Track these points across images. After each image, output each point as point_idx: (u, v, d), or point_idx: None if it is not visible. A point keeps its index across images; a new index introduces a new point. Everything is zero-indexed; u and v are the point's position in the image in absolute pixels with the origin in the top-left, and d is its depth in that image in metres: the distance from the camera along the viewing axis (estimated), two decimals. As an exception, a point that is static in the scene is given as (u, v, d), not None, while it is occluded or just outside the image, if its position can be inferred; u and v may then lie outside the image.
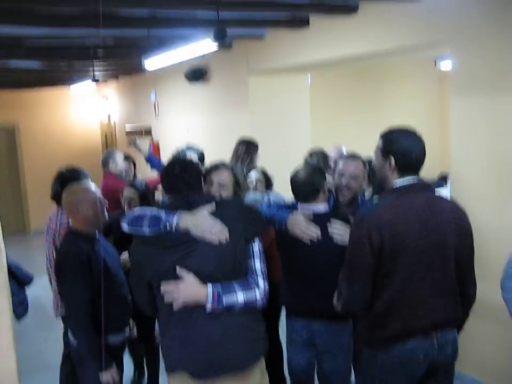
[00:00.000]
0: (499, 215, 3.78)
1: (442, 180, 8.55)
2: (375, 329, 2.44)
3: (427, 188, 2.46)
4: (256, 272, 2.42)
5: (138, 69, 8.51)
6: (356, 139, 6.79)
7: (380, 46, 4.55)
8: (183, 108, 8.13)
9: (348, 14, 4.66)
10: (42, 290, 6.79)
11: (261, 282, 2.40)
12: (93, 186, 3.07)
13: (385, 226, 2.30)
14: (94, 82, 8.00)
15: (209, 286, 2.28)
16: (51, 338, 5.53)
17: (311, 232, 2.81)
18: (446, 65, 7.40)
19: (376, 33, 4.55)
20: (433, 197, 2.45)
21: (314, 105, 6.97)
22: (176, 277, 2.29)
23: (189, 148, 5.18)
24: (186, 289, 2.28)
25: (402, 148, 2.39)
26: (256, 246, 2.46)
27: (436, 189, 2.56)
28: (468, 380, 4.15)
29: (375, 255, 2.31)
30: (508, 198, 3.70)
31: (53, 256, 3.58)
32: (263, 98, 6.45)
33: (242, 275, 2.38)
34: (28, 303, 3.83)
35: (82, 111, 11.41)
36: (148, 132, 9.44)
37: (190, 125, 7.96)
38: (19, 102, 10.52)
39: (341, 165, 3.27)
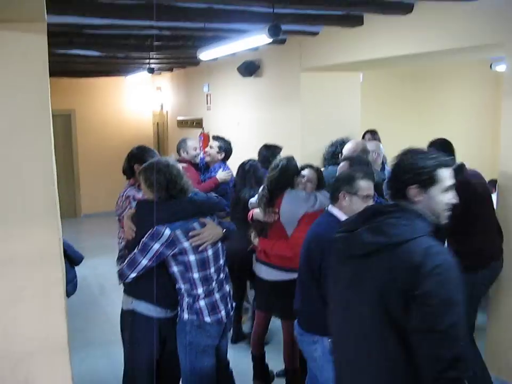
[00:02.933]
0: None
1: (492, 186, 8.38)
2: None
3: None
4: None
5: (192, 61, 8.66)
6: (405, 139, 6.74)
7: (434, 47, 4.51)
8: (235, 101, 8.22)
9: (402, 12, 4.64)
10: (89, 271, 7.06)
11: None
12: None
13: None
14: (149, 73, 8.20)
15: None
16: (95, 317, 5.75)
17: None
18: (501, 67, 7.25)
19: (430, 33, 4.52)
20: None
21: (365, 104, 6.95)
22: None
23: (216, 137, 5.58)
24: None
25: None
26: None
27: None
28: None
29: None
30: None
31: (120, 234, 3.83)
32: (314, 94, 6.47)
33: None
34: (77, 282, 3.98)
35: (136, 100, 11.66)
36: (199, 123, 9.58)
37: (241, 118, 8.05)
38: (76, 89, 10.83)
39: None
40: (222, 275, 3.22)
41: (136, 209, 3.20)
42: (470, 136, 8.60)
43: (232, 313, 3.30)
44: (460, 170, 3.53)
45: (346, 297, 2.14)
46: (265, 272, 3.93)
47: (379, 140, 6.38)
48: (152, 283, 2.97)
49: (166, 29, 5.39)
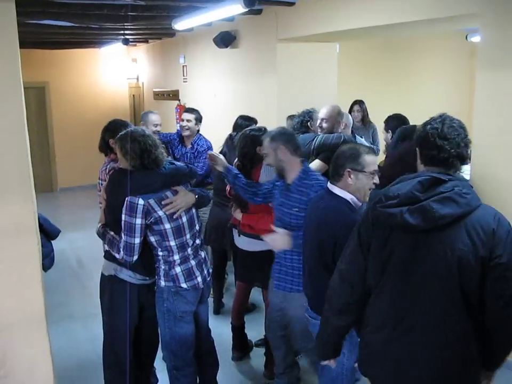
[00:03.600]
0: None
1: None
2: None
3: None
4: None
5: (168, 33, 8.55)
6: (384, 108, 6.79)
7: (409, 17, 4.50)
8: (211, 72, 8.15)
9: (379, -18, 4.63)
10: (67, 245, 7.05)
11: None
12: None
13: None
14: (124, 45, 8.07)
15: None
16: (74, 290, 5.75)
17: None
18: (476, 38, 7.30)
19: (406, 3, 4.51)
20: None
21: (343, 74, 6.94)
22: None
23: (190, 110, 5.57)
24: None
25: None
26: None
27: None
28: None
29: None
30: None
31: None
32: (291, 65, 6.44)
33: None
34: (54, 256, 3.96)
35: (111, 72, 11.49)
36: (175, 95, 9.50)
37: (217, 90, 7.99)
38: (49, 61, 10.62)
39: None
40: (197, 241, 3.25)
41: (110, 177, 3.20)
42: (448, 105, 8.65)
43: (209, 279, 3.33)
44: None
45: (406, 272, 2.09)
46: (248, 244, 3.92)
47: (365, 110, 6.38)
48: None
49: (141, -2, 5.30)
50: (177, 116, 9.13)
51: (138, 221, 2.93)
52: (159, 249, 3.09)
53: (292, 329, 3.40)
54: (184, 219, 3.11)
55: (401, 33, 6.81)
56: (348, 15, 5.13)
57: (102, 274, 3.32)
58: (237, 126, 4.99)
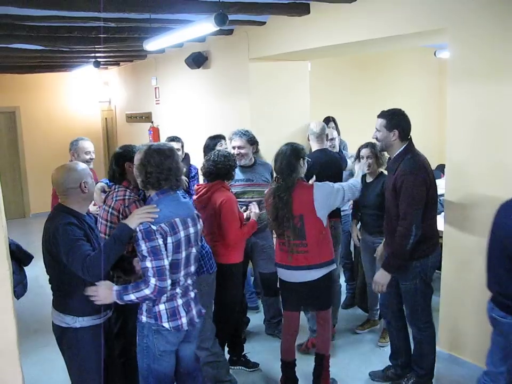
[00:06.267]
0: (496, 203, 3.81)
1: (440, 171, 8.58)
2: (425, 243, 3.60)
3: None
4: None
5: (139, 55, 8.53)
6: (355, 124, 6.86)
7: (379, 34, 4.57)
8: (184, 93, 8.14)
9: (348, 0, 4.68)
10: (41, 271, 6.84)
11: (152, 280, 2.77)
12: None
13: (427, 170, 3.57)
14: (96, 67, 8.00)
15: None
16: (49, 318, 5.57)
17: None
18: (445, 54, 7.45)
19: (375, 20, 4.57)
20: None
21: (315, 92, 6.99)
22: None
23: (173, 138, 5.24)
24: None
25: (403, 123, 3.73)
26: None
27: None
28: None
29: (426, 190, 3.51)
30: (503, 187, 3.73)
31: (104, 234, 3.57)
32: (263, 84, 6.46)
33: None
34: (27, 283, 3.87)
35: (83, 95, 11.42)
36: (148, 117, 9.46)
37: (190, 110, 7.98)
38: (19, 85, 10.52)
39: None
40: (189, 281, 3.06)
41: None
42: (417, 120, 8.75)
43: (198, 319, 3.11)
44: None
45: None
46: (292, 276, 3.83)
47: (337, 126, 6.45)
48: (84, 295, 2.87)
49: (111, 20, 5.27)
50: (151, 138, 9.08)
51: (160, 241, 2.77)
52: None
53: None
54: (184, 254, 2.94)
55: (372, 50, 6.89)
56: (318, 33, 5.18)
57: (60, 327, 3.09)
58: (207, 148, 5.01)
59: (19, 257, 3.75)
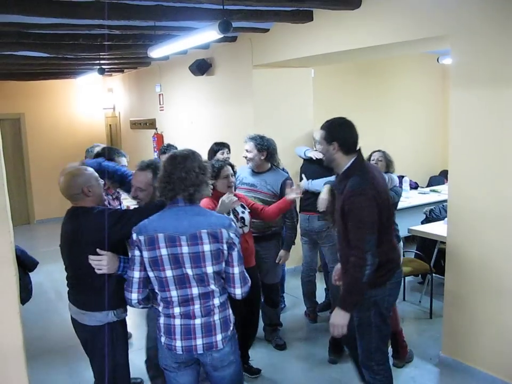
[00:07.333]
0: (498, 208, 3.83)
1: (443, 177, 8.60)
2: (381, 269, 3.04)
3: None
4: None
5: (143, 62, 8.57)
6: (359, 131, 6.84)
7: (382, 40, 4.59)
8: (187, 100, 8.18)
9: (351, 7, 4.70)
10: (45, 277, 6.92)
11: None
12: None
13: (378, 189, 3.03)
14: (100, 74, 8.06)
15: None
16: (53, 323, 5.63)
17: None
18: (447, 61, 7.47)
19: (378, 27, 4.59)
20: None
21: (318, 97, 7.01)
22: None
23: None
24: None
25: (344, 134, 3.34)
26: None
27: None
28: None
29: (378, 212, 2.97)
30: (507, 192, 3.75)
31: None
32: (267, 91, 6.50)
33: None
34: (32, 288, 3.89)
35: (87, 102, 11.46)
36: (152, 124, 9.50)
37: (194, 117, 8.01)
38: (24, 92, 10.56)
39: None
40: (196, 305, 2.68)
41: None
42: (421, 125, 8.81)
43: (201, 351, 2.70)
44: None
45: None
46: None
47: None
48: (114, 289, 2.92)
49: (116, 28, 5.31)
50: (155, 145, 9.12)
51: (136, 252, 2.69)
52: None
53: None
54: (169, 274, 2.62)
55: (375, 57, 6.92)
56: (321, 40, 5.20)
57: (94, 326, 3.03)
58: (210, 151, 5.28)
59: (24, 263, 3.78)
